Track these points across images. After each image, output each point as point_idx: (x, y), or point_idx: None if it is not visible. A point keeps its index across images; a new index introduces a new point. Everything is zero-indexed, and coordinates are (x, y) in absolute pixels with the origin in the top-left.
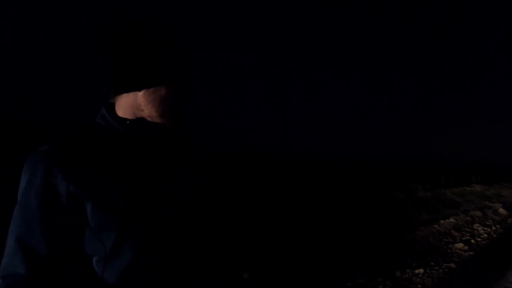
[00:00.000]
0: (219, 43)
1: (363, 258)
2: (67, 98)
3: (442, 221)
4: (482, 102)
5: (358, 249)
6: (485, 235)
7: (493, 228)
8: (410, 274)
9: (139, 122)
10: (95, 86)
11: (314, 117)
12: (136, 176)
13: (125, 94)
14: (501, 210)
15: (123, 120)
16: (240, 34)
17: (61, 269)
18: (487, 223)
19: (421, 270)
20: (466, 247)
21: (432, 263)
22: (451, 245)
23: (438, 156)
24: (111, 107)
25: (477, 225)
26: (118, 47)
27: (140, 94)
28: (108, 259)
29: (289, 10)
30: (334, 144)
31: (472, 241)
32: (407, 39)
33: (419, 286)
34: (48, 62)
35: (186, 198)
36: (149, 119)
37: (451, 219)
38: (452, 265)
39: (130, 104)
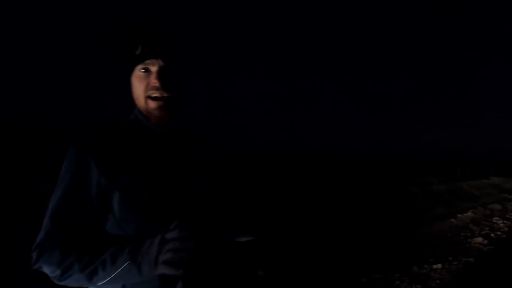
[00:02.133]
0: (227, 44)
1: (379, 253)
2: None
3: (459, 215)
4: (498, 91)
5: (373, 244)
6: (505, 229)
7: None
8: (428, 269)
9: (142, 120)
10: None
11: (323, 112)
12: (159, 170)
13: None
14: None
15: (145, 115)
16: (247, 34)
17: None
18: (507, 216)
19: (439, 266)
20: (485, 241)
21: (450, 258)
22: (469, 240)
23: (453, 148)
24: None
25: (497, 218)
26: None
27: (132, 84)
28: None
29: (297, 10)
30: (345, 140)
31: (492, 235)
32: (414, 36)
33: (437, 281)
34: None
35: (204, 193)
36: (142, 111)
37: (469, 213)
38: (472, 259)
39: (134, 96)
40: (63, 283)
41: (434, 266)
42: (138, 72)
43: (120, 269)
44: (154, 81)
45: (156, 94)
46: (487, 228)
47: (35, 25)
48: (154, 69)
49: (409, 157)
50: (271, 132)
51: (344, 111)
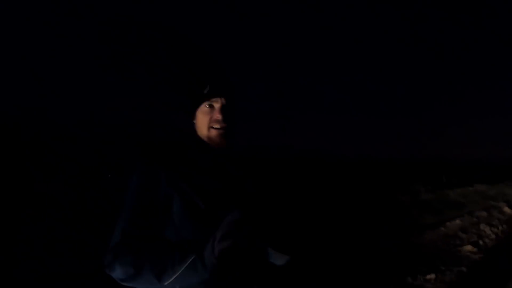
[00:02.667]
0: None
1: (372, 263)
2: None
3: (448, 223)
4: (482, 100)
5: (366, 255)
6: (493, 236)
7: (500, 228)
8: (422, 280)
9: (206, 144)
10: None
11: (312, 118)
12: (212, 182)
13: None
14: (506, 209)
15: (201, 140)
16: (243, 37)
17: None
18: (493, 223)
19: (433, 276)
20: (475, 249)
21: (442, 268)
22: (459, 248)
23: (438, 155)
24: (195, 127)
25: (484, 225)
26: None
27: (196, 118)
28: None
29: (293, 11)
30: (330, 145)
31: (480, 242)
32: (408, 42)
33: None
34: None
35: (251, 203)
36: (203, 137)
37: (457, 221)
38: (463, 268)
39: (196, 125)
40: (132, 284)
41: (428, 277)
42: (203, 108)
43: (186, 264)
44: (218, 116)
45: (218, 126)
46: (475, 236)
47: (35, 24)
48: (217, 106)
49: (396, 162)
50: (267, 135)
51: (333, 115)
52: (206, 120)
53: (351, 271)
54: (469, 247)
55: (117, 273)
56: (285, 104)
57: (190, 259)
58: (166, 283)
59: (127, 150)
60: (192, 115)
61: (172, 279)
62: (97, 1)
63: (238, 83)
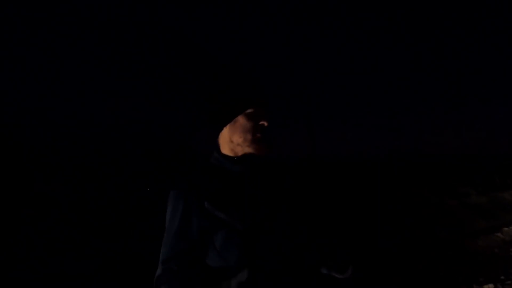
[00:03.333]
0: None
1: (424, 274)
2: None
3: (505, 229)
4: None
5: (416, 264)
6: None
7: None
8: None
9: (241, 158)
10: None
11: (343, 118)
12: (245, 203)
13: (220, 133)
14: None
15: (230, 157)
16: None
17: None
18: None
19: (491, 286)
20: None
21: (502, 277)
22: None
23: (489, 153)
24: (218, 147)
25: None
26: (201, 106)
27: (226, 129)
28: (233, 271)
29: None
30: (368, 146)
31: None
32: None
33: None
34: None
35: (285, 219)
36: (241, 149)
37: None
38: None
39: (225, 140)
40: None
41: (485, 287)
42: (249, 113)
43: None
44: (264, 122)
45: (265, 138)
46: None
47: (35, 24)
48: (262, 112)
49: (441, 164)
50: (289, 139)
51: (365, 115)
52: (251, 125)
53: (401, 278)
54: None
55: None
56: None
57: None
58: None
59: (127, 150)
60: (226, 122)
61: None
62: (99, 0)
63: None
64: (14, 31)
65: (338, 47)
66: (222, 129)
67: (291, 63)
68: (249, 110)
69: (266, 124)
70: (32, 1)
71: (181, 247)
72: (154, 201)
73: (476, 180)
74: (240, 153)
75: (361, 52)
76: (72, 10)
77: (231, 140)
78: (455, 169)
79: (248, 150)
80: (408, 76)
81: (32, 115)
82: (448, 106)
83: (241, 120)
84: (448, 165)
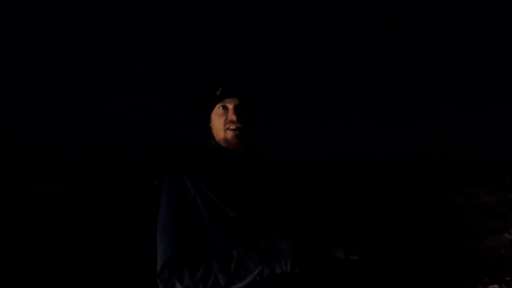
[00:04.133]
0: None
1: (428, 272)
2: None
3: None
4: None
5: (420, 262)
6: None
7: None
8: None
9: (223, 149)
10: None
11: (351, 117)
12: (238, 192)
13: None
14: None
15: (219, 147)
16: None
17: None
18: None
19: (496, 286)
20: None
21: (508, 278)
22: None
23: (498, 153)
24: (213, 136)
25: None
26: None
27: (211, 123)
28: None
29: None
30: (376, 146)
31: None
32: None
33: None
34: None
35: (269, 214)
36: (220, 143)
37: None
38: None
39: (212, 129)
40: None
41: (491, 287)
42: (217, 110)
43: (254, 274)
44: (232, 116)
45: (233, 127)
46: None
47: (35, 25)
48: (231, 106)
49: (449, 164)
50: (297, 139)
51: (370, 115)
52: (221, 122)
53: (402, 278)
54: None
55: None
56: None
57: (257, 270)
58: None
59: (127, 150)
60: (208, 119)
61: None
62: (98, 1)
63: (260, 84)
64: (14, 31)
65: (342, 50)
66: (205, 123)
67: (295, 64)
68: (218, 106)
69: (233, 118)
70: (32, 2)
71: (184, 229)
72: (154, 201)
73: (485, 180)
74: (222, 142)
75: (363, 53)
76: (72, 10)
77: (214, 135)
78: (464, 169)
79: (226, 146)
80: (415, 76)
81: (32, 115)
82: (458, 107)
83: (213, 117)
84: (456, 165)
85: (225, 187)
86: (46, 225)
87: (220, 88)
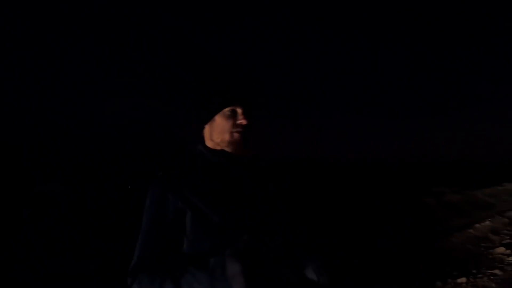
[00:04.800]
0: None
1: (399, 268)
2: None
3: (477, 225)
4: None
5: (392, 259)
6: None
7: None
8: (453, 284)
9: (220, 152)
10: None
11: (336, 118)
12: (225, 195)
13: (203, 129)
14: None
15: (212, 150)
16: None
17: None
18: None
19: (464, 279)
20: (508, 251)
21: (474, 271)
22: (491, 250)
23: (462, 154)
24: (202, 140)
25: None
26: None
27: (207, 126)
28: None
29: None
30: (346, 148)
31: None
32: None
33: None
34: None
35: (266, 215)
36: (219, 147)
37: (487, 222)
38: (497, 271)
39: (207, 137)
40: None
41: (459, 280)
42: (225, 112)
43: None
44: (242, 121)
45: (240, 130)
46: (508, 237)
47: (35, 25)
48: (240, 110)
49: (418, 165)
50: (290, 141)
51: (354, 117)
52: (228, 124)
53: (378, 275)
54: (501, 249)
55: None
56: (304, 106)
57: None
58: None
59: (127, 150)
60: (205, 121)
61: None
62: (100, 1)
63: (265, 88)
64: (14, 31)
65: (337, 52)
66: (200, 126)
67: (293, 65)
68: (226, 109)
69: (244, 123)
70: (33, 2)
71: (157, 237)
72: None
73: (451, 180)
74: (225, 144)
75: (349, 58)
76: (72, 11)
77: (211, 139)
78: (432, 170)
79: (227, 149)
80: (395, 87)
81: (32, 115)
82: (428, 115)
83: (218, 119)
84: (425, 167)
85: (209, 192)
86: (46, 225)
87: (231, 92)
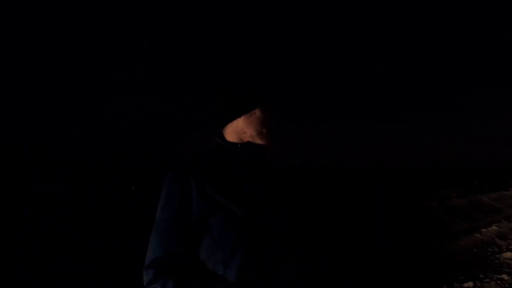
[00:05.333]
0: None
1: (405, 273)
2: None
3: (484, 230)
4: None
5: (398, 264)
6: None
7: None
8: None
9: (246, 144)
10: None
11: (328, 122)
12: (246, 190)
13: (230, 124)
14: None
15: (235, 144)
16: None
17: (186, 269)
18: None
19: (471, 284)
20: None
21: (481, 275)
22: (498, 255)
23: (467, 158)
24: (222, 135)
25: None
26: (218, 93)
27: (241, 119)
28: (227, 260)
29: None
30: (354, 150)
31: None
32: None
33: None
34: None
35: (283, 209)
36: (251, 139)
37: (494, 227)
38: (504, 276)
39: (235, 130)
40: None
41: (465, 285)
42: (257, 112)
43: None
44: (270, 125)
45: (266, 133)
46: None
47: (35, 25)
48: (268, 112)
49: (422, 168)
50: (291, 141)
51: (352, 118)
52: (257, 124)
53: (383, 279)
54: (508, 254)
55: None
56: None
57: None
58: None
59: (127, 150)
60: (241, 113)
61: None
62: (97, 1)
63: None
64: (14, 31)
65: (338, 53)
66: (235, 119)
67: (293, 66)
68: (265, 105)
69: (276, 121)
70: (33, 2)
71: (179, 233)
72: (154, 201)
73: (456, 184)
74: (247, 138)
75: (350, 59)
76: (72, 11)
77: (244, 131)
78: (438, 174)
79: (259, 142)
80: (393, 90)
81: (32, 115)
82: (433, 116)
83: (258, 113)
84: (430, 170)
85: (233, 188)
86: (46, 225)
87: (262, 95)
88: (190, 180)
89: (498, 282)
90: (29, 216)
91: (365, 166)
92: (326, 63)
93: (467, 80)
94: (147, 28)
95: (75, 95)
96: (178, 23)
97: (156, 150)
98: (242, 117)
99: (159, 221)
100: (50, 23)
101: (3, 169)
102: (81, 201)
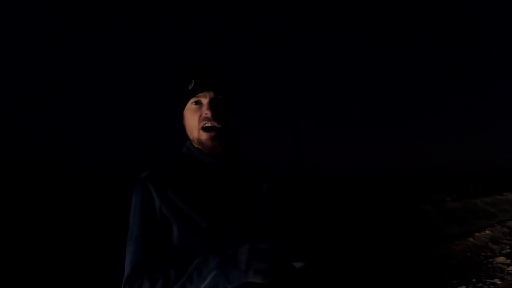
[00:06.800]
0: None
1: (399, 276)
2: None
3: (477, 234)
4: (508, 102)
5: (392, 267)
6: None
7: None
8: None
9: (207, 147)
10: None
11: (326, 132)
12: (213, 199)
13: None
14: None
15: (199, 149)
16: (253, 51)
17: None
18: None
19: None
20: (508, 261)
21: (473, 280)
22: (491, 259)
23: (462, 163)
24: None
25: None
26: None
27: (185, 116)
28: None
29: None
30: (350, 156)
31: None
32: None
33: None
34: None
35: (255, 217)
36: (191, 137)
37: (487, 231)
38: (497, 281)
39: (186, 128)
40: None
41: None
42: (190, 105)
43: (207, 280)
44: (207, 112)
45: (208, 124)
46: (508, 247)
47: (35, 25)
48: (205, 101)
49: (417, 173)
50: (275, 151)
51: (349, 125)
52: (195, 120)
53: (377, 283)
54: (501, 259)
55: None
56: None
57: (211, 276)
58: None
59: (127, 150)
60: (178, 111)
61: None
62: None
63: (236, 80)
64: (14, 31)
65: (335, 56)
66: (182, 116)
67: (289, 69)
68: (191, 102)
69: (208, 114)
70: (33, 3)
71: (149, 239)
72: None
73: (450, 188)
74: (196, 142)
75: (347, 63)
76: (72, 11)
77: (186, 130)
78: (431, 179)
79: (201, 147)
80: (385, 97)
81: (32, 115)
82: (427, 123)
83: (186, 114)
84: (423, 175)
85: (196, 195)
86: (46, 225)
87: (193, 81)
88: (149, 185)
89: (491, 286)
90: (29, 216)
91: (360, 171)
92: (325, 68)
93: (465, 88)
94: (147, 28)
95: (76, 95)
96: (178, 22)
97: (156, 150)
98: (184, 113)
99: (130, 234)
100: (49, 23)
101: (3, 169)
102: (81, 201)
